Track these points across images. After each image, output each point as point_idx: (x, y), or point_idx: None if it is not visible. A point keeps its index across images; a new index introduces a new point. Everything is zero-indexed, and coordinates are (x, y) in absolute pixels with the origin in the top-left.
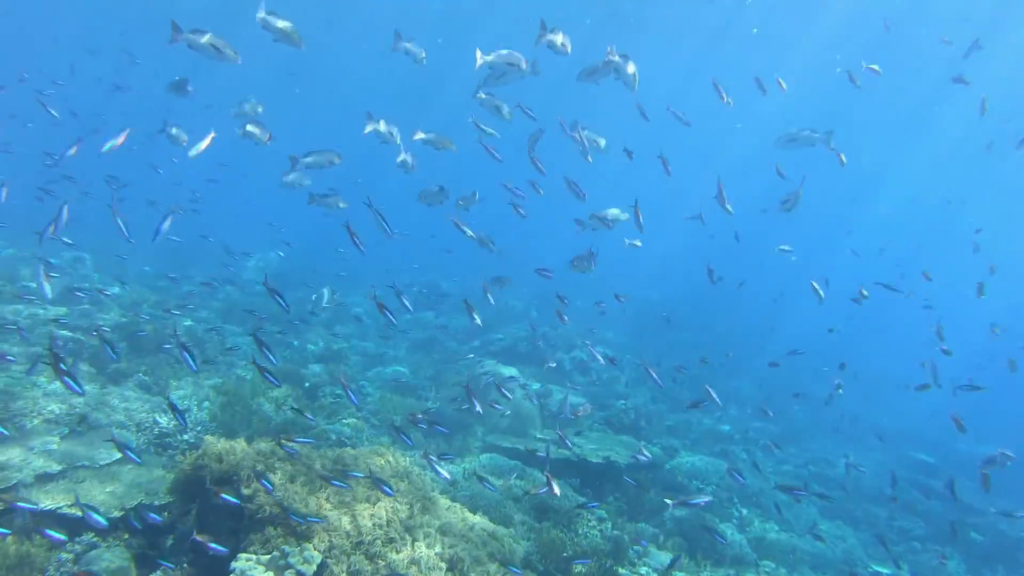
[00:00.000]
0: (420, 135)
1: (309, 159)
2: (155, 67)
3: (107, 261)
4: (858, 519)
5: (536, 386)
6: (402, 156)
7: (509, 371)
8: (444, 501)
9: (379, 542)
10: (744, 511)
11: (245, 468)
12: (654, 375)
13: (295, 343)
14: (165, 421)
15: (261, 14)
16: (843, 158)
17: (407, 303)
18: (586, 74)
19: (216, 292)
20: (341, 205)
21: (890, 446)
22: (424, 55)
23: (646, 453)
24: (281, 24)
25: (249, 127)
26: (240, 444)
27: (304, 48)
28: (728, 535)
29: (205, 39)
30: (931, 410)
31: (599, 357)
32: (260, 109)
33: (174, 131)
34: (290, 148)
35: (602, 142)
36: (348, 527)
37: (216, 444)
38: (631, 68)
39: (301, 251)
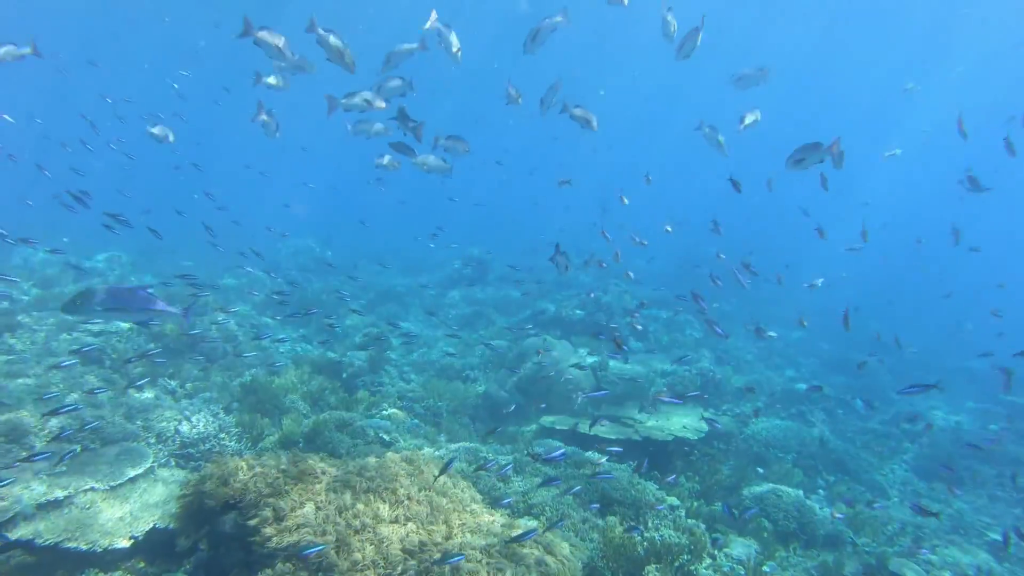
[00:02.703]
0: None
1: (349, 100)
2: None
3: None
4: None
5: (592, 359)
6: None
7: (562, 344)
8: (490, 517)
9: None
10: (831, 478)
11: (251, 492)
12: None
13: (337, 328)
14: (187, 429)
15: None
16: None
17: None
18: (531, 38)
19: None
20: (463, 150)
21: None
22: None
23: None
24: (335, 42)
25: (263, 117)
26: (246, 462)
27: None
28: (817, 510)
29: (275, 40)
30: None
31: None
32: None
33: (157, 130)
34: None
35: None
36: (373, 556)
37: (219, 465)
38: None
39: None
